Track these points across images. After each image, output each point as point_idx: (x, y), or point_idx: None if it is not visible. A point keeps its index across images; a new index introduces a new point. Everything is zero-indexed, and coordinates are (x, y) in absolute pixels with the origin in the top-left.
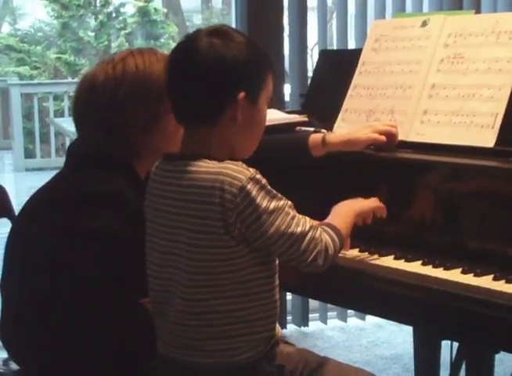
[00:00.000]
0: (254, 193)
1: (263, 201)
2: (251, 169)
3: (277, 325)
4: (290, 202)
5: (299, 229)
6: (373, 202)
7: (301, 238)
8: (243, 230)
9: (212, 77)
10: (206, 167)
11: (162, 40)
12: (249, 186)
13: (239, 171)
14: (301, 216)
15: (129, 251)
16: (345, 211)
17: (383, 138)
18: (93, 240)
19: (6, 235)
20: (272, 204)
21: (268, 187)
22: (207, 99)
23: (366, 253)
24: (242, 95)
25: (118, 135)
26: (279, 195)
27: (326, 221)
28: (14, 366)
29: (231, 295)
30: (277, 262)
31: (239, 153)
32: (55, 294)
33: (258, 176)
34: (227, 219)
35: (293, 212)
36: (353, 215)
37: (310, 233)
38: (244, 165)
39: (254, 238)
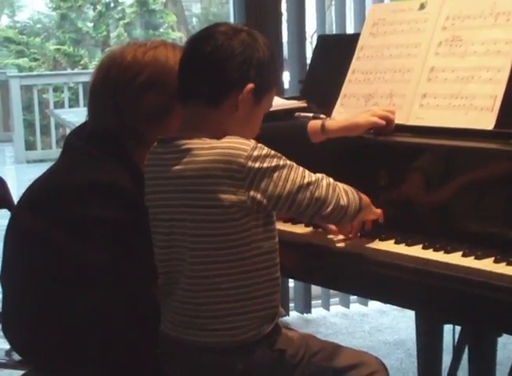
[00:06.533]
0: (261, 158)
1: (272, 162)
2: (251, 140)
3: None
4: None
5: (313, 178)
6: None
7: (317, 184)
8: (258, 198)
9: (231, 59)
10: (208, 143)
11: (161, 29)
12: (255, 153)
13: (241, 143)
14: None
15: (129, 240)
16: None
17: (382, 121)
18: (93, 229)
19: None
20: (281, 162)
21: (272, 151)
22: (218, 78)
23: (367, 238)
24: (250, 86)
25: (125, 118)
26: (284, 156)
27: None
28: (16, 356)
29: (235, 272)
30: (277, 238)
31: None
32: (55, 284)
33: (260, 144)
34: (237, 191)
35: (301, 167)
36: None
37: (325, 179)
38: (243, 138)
39: (273, 203)
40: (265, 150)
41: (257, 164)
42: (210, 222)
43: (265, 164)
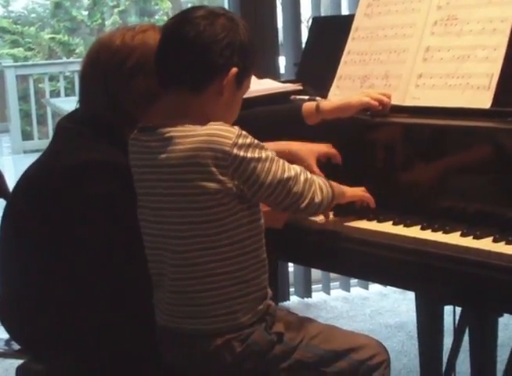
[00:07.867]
0: (244, 147)
1: (254, 153)
2: (235, 127)
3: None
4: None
5: (293, 172)
6: (360, 191)
7: (296, 180)
8: (241, 186)
9: (214, 44)
10: (191, 130)
11: (156, 17)
12: (240, 141)
13: (226, 130)
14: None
15: (127, 214)
16: (337, 185)
17: (375, 102)
18: (91, 207)
19: None
20: (264, 154)
21: (255, 140)
22: (202, 64)
23: (365, 219)
24: (234, 70)
25: (116, 102)
26: (265, 146)
27: None
28: (16, 346)
29: (227, 256)
30: (262, 220)
31: None
32: (52, 271)
33: (244, 132)
34: (222, 178)
35: (281, 160)
36: (344, 192)
37: (302, 175)
38: (227, 124)
39: (253, 191)
40: (249, 139)
41: (241, 153)
42: (197, 209)
43: (249, 154)
